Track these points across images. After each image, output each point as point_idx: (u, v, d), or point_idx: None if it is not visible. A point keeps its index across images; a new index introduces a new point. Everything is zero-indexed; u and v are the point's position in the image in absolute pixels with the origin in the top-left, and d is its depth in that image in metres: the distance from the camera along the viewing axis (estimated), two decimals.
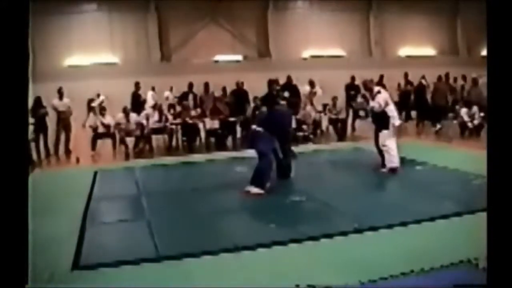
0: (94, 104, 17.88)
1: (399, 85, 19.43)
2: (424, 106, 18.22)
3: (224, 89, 17.29)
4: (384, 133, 9.64)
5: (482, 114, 14.81)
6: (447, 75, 19.29)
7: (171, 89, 19.35)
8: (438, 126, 16.16)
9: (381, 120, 9.74)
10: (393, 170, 9.46)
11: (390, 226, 5.98)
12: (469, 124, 14.80)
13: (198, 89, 17.35)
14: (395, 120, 9.69)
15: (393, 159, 9.51)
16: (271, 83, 11.54)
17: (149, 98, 18.43)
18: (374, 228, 5.93)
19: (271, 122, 8.75)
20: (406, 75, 19.33)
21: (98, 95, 18.62)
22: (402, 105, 17.79)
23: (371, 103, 9.70)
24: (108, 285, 4.70)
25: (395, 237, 5.71)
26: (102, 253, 5.60)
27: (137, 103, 16.64)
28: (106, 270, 5.03)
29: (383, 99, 9.62)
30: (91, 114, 16.22)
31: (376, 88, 9.90)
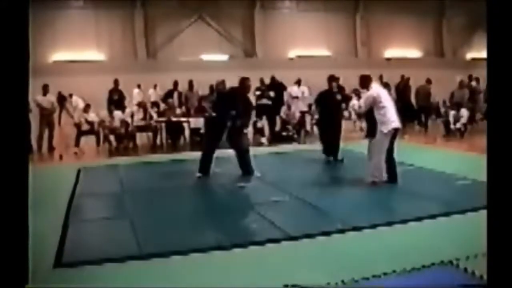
0: (70, 105, 17.97)
1: None
2: (408, 107, 18.35)
3: (211, 87, 17.27)
4: (372, 141, 8.51)
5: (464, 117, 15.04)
6: (470, 77, 19.25)
7: (155, 87, 19.27)
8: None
9: (368, 124, 8.72)
10: (374, 184, 8.26)
11: (373, 227, 5.98)
12: (452, 126, 14.98)
13: (184, 87, 17.33)
14: (383, 126, 8.17)
15: (374, 172, 8.31)
16: (332, 79, 11.05)
17: (135, 95, 18.35)
18: (357, 228, 5.94)
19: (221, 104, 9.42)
20: (380, 77, 19.22)
21: (71, 95, 18.63)
22: None
23: (351, 102, 9.05)
24: (91, 283, 4.68)
25: (377, 237, 5.72)
26: (85, 251, 5.56)
27: (113, 100, 16.37)
28: (89, 268, 5.00)
29: (366, 98, 8.35)
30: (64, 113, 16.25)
31: (372, 85, 8.48)
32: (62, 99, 18.55)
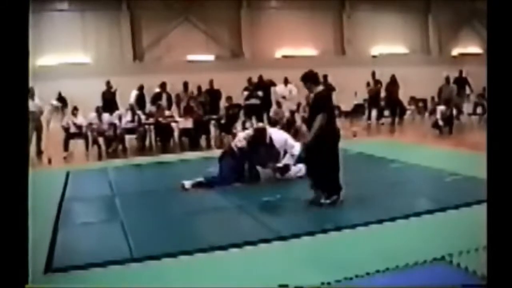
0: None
1: (368, 84, 19.57)
2: (395, 104, 18.54)
3: (199, 88, 17.27)
4: None
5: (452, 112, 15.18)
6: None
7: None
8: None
9: None
10: None
11: (364, 224, 5.98)
12: (440, 122, 15.04)
13: (171, 89, 17.32)
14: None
15: None
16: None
17: (133, 97, 18.35)
18: (347, 227, 5.93)
19: None
20: (373, 74, 19.42)
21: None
22: (372, 104, 18.71)
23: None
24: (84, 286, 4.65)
25: (369, 235, 5.72)
26: (75, 255, 5.51)
27: (108, 102, 16.29)
28: (80, 272, 4.96)
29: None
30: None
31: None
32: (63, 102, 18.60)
